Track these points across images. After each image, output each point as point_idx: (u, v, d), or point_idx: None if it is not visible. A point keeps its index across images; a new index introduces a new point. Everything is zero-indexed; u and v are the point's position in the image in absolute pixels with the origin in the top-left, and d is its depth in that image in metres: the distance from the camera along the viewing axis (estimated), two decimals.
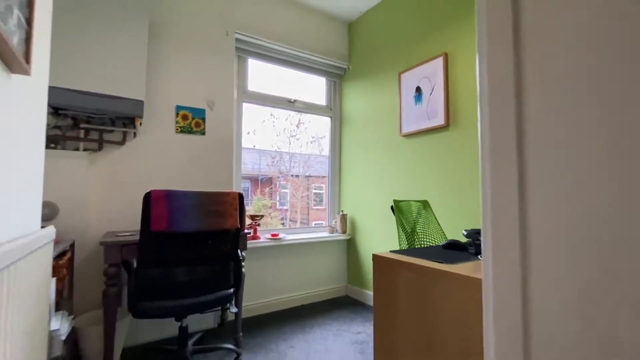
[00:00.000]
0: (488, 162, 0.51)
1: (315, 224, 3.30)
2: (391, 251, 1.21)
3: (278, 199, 3.47)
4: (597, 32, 0.41)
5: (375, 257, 1.16)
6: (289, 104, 2.96)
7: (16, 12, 0.74)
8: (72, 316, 1.49)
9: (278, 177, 3.41)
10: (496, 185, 0.50)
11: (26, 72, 0.83)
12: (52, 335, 1.16)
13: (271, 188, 3.45)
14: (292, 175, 3.38)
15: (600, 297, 0.40)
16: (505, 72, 0.49)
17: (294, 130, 3.24)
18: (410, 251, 1.20)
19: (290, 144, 3.26)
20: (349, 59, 3.15)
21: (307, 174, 3.44)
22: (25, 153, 0.93)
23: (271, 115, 3.04)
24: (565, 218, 0.43)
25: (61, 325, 1.23)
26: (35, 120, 1.02)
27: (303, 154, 3.35)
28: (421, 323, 0.95)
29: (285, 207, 3.46)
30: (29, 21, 0.83)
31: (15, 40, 0.74)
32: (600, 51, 0.40)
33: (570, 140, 0.43)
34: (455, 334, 0.85)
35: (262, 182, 3.49)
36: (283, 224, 3.32)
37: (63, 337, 1.24)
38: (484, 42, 0.52)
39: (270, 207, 3.33)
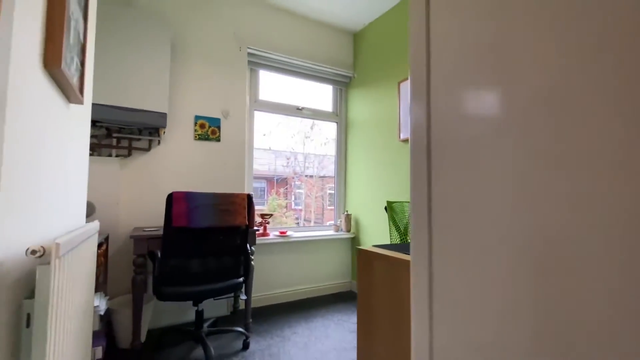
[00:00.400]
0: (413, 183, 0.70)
1: (329, 224, 3.44)
2: (373, 245, 1.40)
3: (293, 199, 3.66)
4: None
5: (359, 251, 1.35)
6: (298, 111, 3.18)
7: (75, 59, 0.99)
8: (107, 297, 1.76)
9: (293, 178, 3.60)
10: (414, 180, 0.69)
11: (80, 102, 1.08)
12: (94, 310, 1.42)
13: (286, 188, 3.63)
14: (306, 176, 3.57)
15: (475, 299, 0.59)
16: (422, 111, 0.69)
17: (308, 131, 3.42)
18: (389, 245, 1.39)
19: (304, 145, 3.44)
20: (354, 67, 3.34)
21: (322, 175, 3.62)
22: (77, 162, 1.19)
23: (286, 116, 3.23)
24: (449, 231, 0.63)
25: (100, 302, 1.50)
26: (83, 135, 1.28)
27: (317, 155, 3.52)
28: (392, 302, 1.15)
29: (299, 207, 3.64)
30: (83, 63, 1.08)
31: (74, 80, 0.99)
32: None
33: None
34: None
35: (277, 182, 3.68)
36: (297, 223, 3.49)
37: (102, 313, 1.50)
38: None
39: (285, 207, 3.53)
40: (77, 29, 0.99)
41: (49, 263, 0.68)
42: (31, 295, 0.70)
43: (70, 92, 0.99)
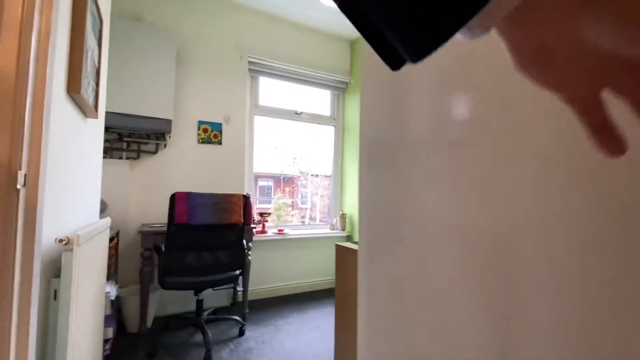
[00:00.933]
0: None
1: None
2: (351, 242, 1.57)
3: (300, 197, 3.81)
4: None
5: (337, 247, 1.52)
6: (296, 115, 3.36)
7: (91, 83, 1.18)
8: (117, 285, 1.96)
9: (299, 177, 3.76)
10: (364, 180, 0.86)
11: (95, 117, 1.28)
12: (105, 295, 1.63)
13: (293, 187, 3.79)
14: (312, 175, 3.72)
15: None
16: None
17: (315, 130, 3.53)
18: None
19: (311, 145, 3.56)
20: (351, 73, 3.49)
21: (328, 174, 3.72)
22: (92, 166, 1.39)
23: (296, 113, 3.37)
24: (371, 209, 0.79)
25: (111, 289, 1.70)
26: (97, 143, 1.48)
27: (324, 154, 3.65)
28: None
29: (306, 206, 3.76)
30: (97, 84, 1.28)
31: (91, 100, 1.19)
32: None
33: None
34: None
35: (283, 181, 3.84)
36: (303, 222, 3.64)
37: (112, 298, 1.70)
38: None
39: (290, 206, 3.68)
40: (93, 58, 1.18)
41: (71, 250, 0.87)
42: (58, 275, 0.90)
43: (87, 110, 1.18)
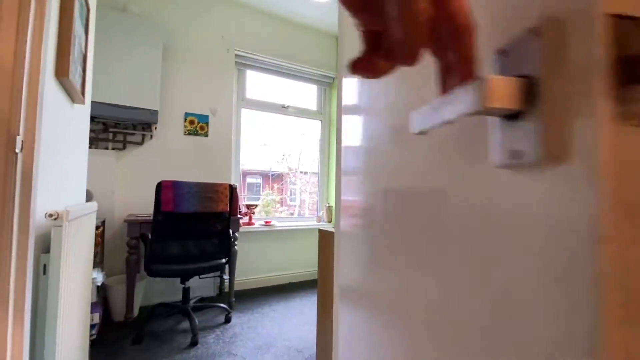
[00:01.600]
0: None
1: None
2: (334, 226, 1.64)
3: (289, 194, 3.84)
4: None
5: (320, 231, 1.59)
6: (283, 109, 3.40)
7: (78, 68, 1.21)
8: (104, 272, 1.98)
9: (288, 174, 3.80)
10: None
11: (82, 102, 1.30)
12: (92, 281, 1.65)
13: (282, 184, 3.82)
14: (301, 172, 3.77)
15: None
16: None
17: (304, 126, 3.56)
18: None
19: (300, 142, 3.60)
20: (337, 68, 3.55)
21: (315, 171, 3.78)
22: (78, 153, 1.41)
23: (283, 107, 3.42)
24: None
25: (97, 275, 1.73)
26: (84, 131, 1.51)
27: (312, 151, 3.70)
28: None
29: (294, 204, 3.77)
30: (84, 70, 1.30)
31: (78, 85, 1.21)
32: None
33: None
34: None
35: (272, 178, 3.87)
36: (292, 215, 3.66)
37: (98, 284, 1.73)
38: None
39: (279, 202, 3.71)
40: (80, 44, 1.21)
41: (61, 226, 0.91)
42: (47, 250, 0.93)
43: (74, 95, 1.21)
